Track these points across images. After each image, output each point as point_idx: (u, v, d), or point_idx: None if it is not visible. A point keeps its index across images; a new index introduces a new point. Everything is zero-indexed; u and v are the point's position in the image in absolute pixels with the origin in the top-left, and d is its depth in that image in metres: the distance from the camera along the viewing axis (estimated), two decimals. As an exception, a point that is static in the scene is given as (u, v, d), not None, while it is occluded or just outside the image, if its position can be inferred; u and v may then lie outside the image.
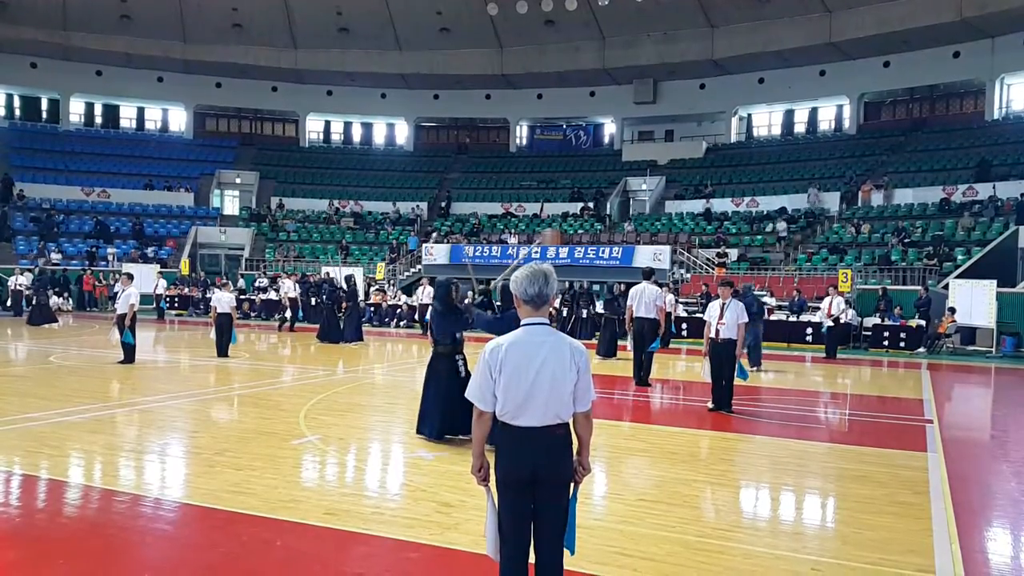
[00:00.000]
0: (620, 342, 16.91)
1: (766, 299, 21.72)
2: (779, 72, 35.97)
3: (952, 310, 20.14)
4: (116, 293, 15.22)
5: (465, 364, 7.91)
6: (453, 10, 36.11)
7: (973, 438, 9.84)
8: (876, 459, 7.58)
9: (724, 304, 9.87)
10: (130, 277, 13.80)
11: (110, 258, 30.83)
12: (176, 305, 28.33)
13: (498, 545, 3.45)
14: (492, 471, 3.47)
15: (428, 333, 8.38)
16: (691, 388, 12.45)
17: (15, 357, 14.85)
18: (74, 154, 38.79)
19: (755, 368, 14.94)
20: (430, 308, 8.59)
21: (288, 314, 22.16)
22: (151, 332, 20.06)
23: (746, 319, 10.04)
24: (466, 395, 3.48)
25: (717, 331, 9.82)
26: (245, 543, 4.86)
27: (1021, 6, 27.68)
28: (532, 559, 3.46)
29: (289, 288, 22.85)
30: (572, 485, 3.50)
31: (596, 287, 25.20)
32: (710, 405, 10.00)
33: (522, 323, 3.50)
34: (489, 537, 3.48)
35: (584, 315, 21.55)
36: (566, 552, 3.50)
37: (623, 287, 18.22)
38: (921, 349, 19.88)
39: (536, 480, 3.37)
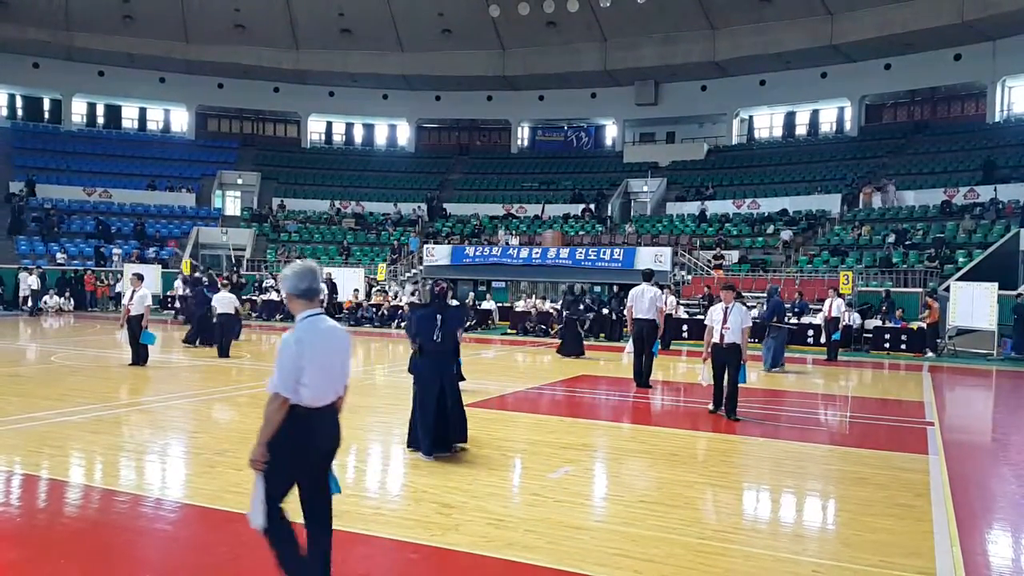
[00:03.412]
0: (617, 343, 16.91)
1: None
2: (780, 74, 35.96)
3: (930, 301, 20.20)
4: (119, 293, 15.17)
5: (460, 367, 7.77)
6: (455, 11, 36.14)
7: (974, 441, 9.83)
8: (877, 461, 7.57)
9: (727, 308, 9.76)
10: (140, 278, 13.72)
11: (115, 258, 30.80)
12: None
13: (266, 514, 3.67)
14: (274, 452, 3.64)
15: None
16: (692, 390, 12.44)
17: (17, 357, 14.86)
18: (76, 154, 38.80)
19: (777, 368, 15.17)
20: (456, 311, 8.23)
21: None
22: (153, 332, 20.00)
23: (750, 323, 9.97)
24: (270, 388, 3.65)
25: (722, 335, 9.66)
26: (245, 543, 4.86)
27: (1022, 9, 27.69)
28: (305, 522, 3.85)
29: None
30: None
31: (597, 289, 25.19)
32: (710, 407, 10.00)
33: (305, 315, 3.78)
34: (258, 511, 3.67)
35: (592, 317, 21.20)
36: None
37: (582, 288, 18.33)
38: (930, 353, 19.81)
39: (330, 452, 3.86)
